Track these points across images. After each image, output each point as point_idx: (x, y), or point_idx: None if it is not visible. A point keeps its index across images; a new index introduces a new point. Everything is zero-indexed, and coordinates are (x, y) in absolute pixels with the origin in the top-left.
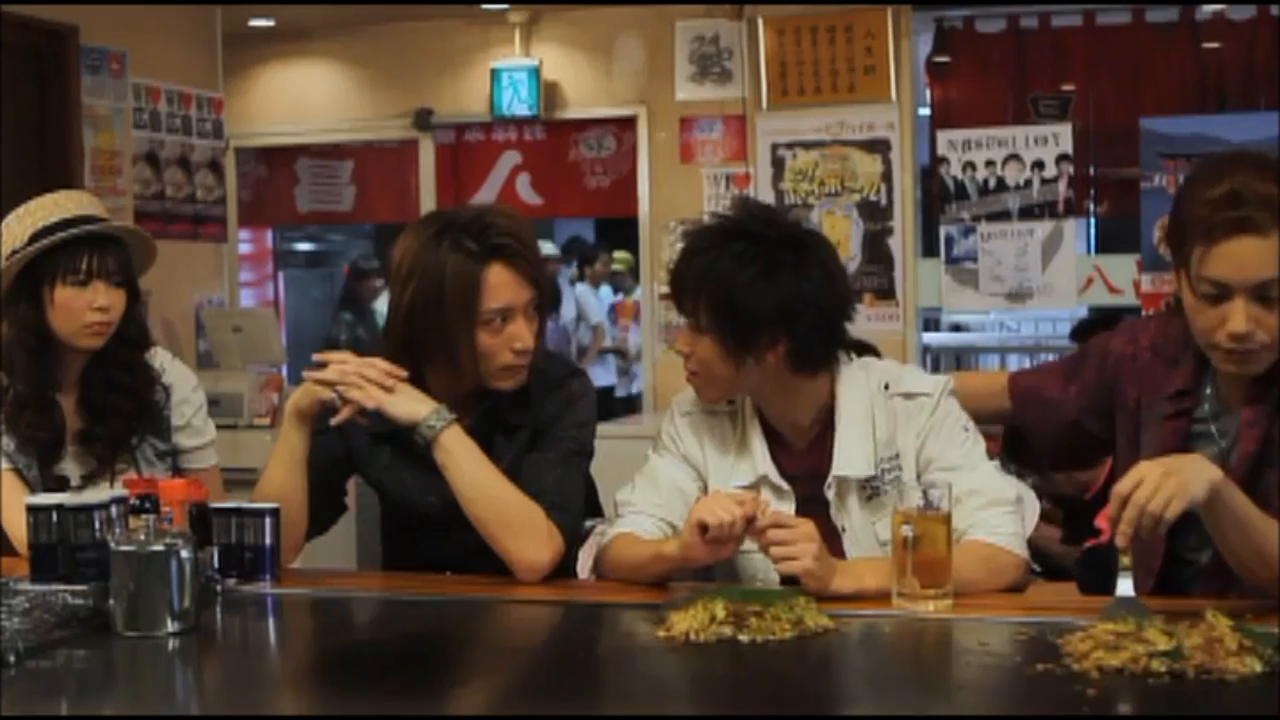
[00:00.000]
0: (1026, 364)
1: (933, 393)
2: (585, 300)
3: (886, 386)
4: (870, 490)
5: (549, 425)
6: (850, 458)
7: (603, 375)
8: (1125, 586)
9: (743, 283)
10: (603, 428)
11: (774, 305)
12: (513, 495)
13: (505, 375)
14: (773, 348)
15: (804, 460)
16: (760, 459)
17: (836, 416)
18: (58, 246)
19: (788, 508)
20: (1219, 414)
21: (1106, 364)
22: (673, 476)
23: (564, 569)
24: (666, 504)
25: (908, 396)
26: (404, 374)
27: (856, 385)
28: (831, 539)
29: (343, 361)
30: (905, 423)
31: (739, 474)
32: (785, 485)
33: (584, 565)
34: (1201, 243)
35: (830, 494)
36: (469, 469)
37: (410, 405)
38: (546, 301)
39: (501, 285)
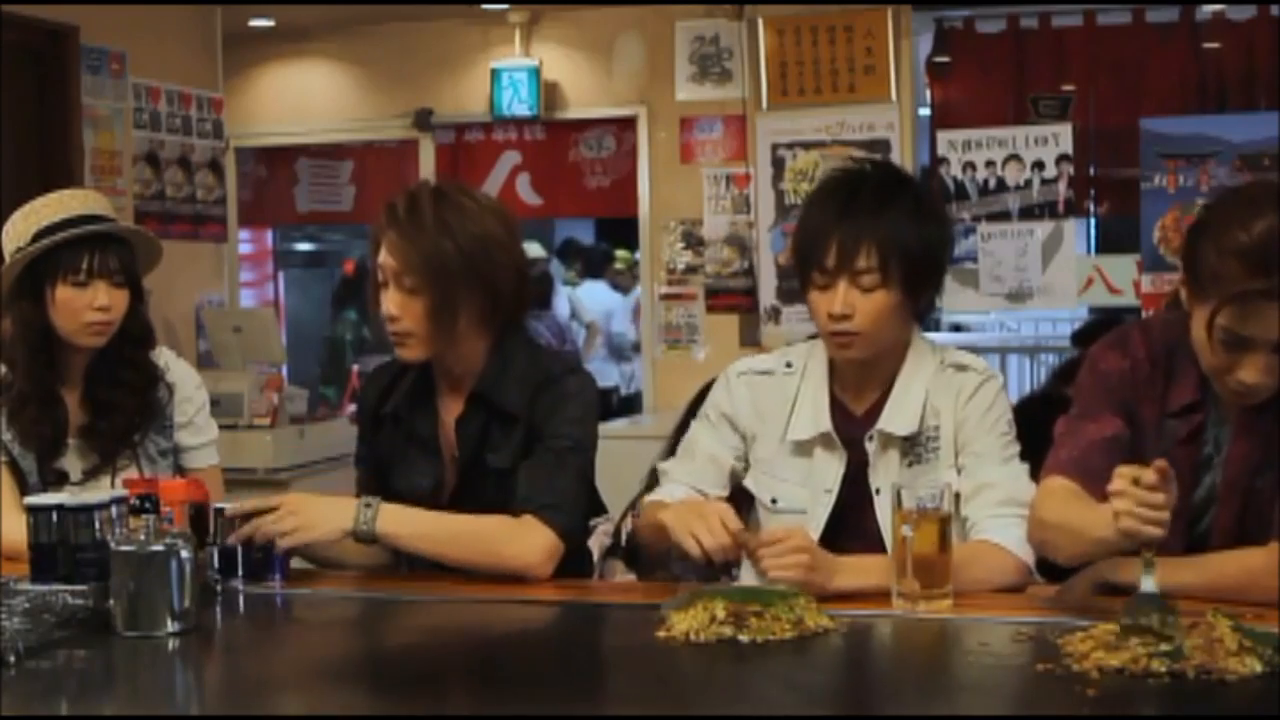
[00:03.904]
0: (1027, 364)
1: (981, 371)
2: (576, 300)
3: (942, 360)
4: (913, 456)
5: (543, 424)
6: (898, 415)
7: (604, 375)
8: (1148, 584)
9: (921, 226)
10: (603, 427)
11: (941, 243)
12: (469, 523)
13: (393, 343)
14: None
15: (860, 425)
16: (822, 417)
17: (896, 378)
18: (60, 246)
19: (837, 467)
20: (1217, 424)
21: (1111, 385)
22: (709, 447)
23: (577, 566)
24: (700, 471)
25: (959, 368)
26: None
27: (923, 354)
28: (864, 504)
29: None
30: (950, 393)
31: (796, 429)
32: (840, 445)
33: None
34: (1223, 299)
35: (871, 447)
36: (418, 529)
37: (331, 523)
38: (426, 287)
39: (384, 245)
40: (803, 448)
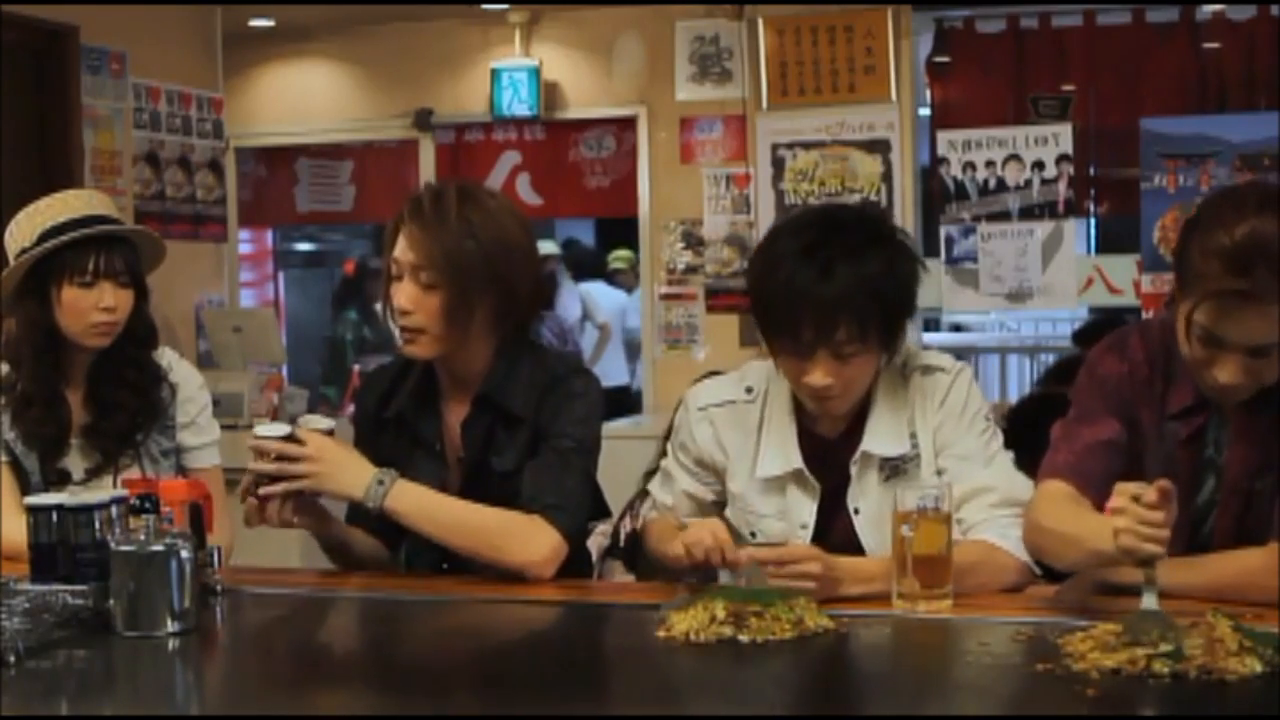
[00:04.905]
0: (1027, 364)
1: (949, 369)
2: (590, 299)
3: (905, 364)
4: (889, 470)
5: (548, 424)
6: (883, 435)
7: (616, 373)
8: (1150, 601)
9: (897, 277)
10: (604, 427)
11: (915, 281)
12: (480, 512)
13: (401, 338)
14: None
15: (833, 450)
16: (792, 452)
17: (872, 397)
18: (65, 247)
19: (812, 501)
20: (1218, 426)
21: (1110, 388)
22: (684, 484)
23: (578, 566)
24: (679, 509)
25: (925, 371)
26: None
27: (894, 366)
28: (841, 524)
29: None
30: (922, 399)
31: (766, 466)
32: (814, 480)
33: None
34: (1201, 296)
35: (854, 470)
36: (429, 511)
37: (343, 484)
38: (444, 284)
39: (400, 238)
40: (775, 483)
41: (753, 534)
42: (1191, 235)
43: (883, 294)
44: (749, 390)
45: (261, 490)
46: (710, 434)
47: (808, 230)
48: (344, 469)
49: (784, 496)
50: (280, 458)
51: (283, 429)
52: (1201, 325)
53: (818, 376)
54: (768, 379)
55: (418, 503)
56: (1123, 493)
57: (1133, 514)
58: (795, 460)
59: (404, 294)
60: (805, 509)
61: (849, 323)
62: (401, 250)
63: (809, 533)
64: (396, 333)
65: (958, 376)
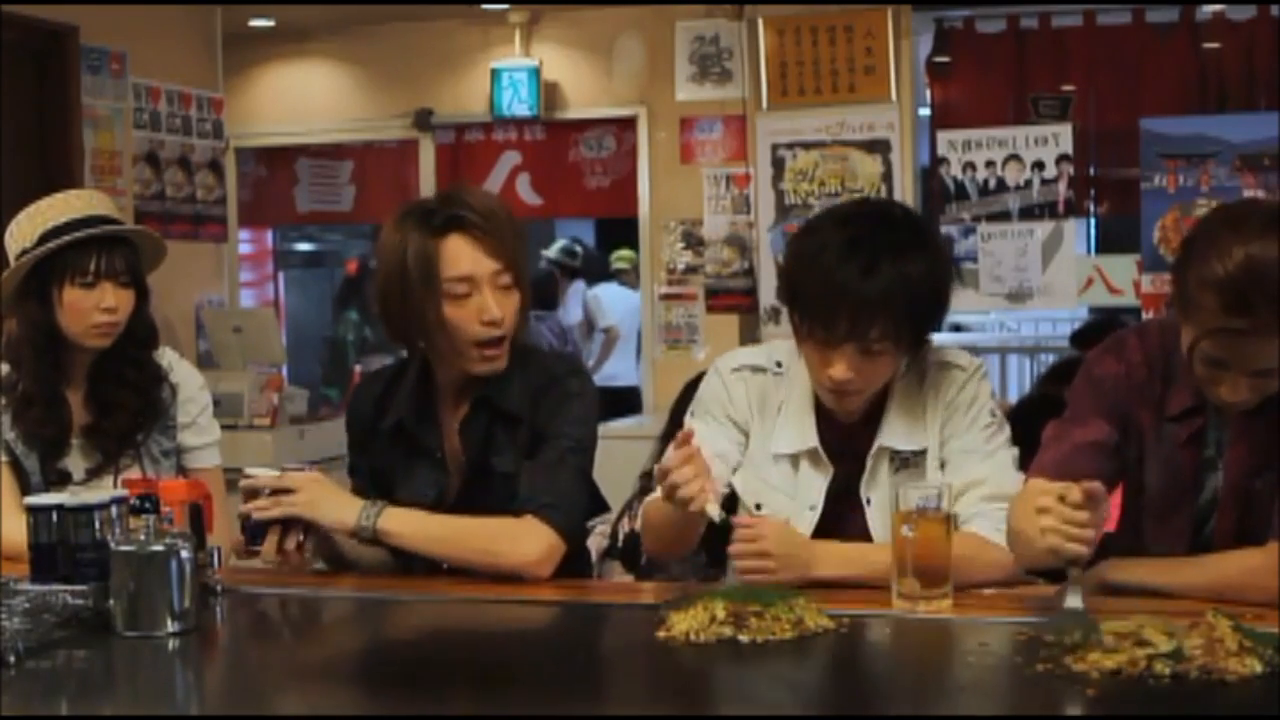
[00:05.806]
0: (1027, 364)
1: (966, 367)
2: (595, 304)
3: (927, 360)
4: (899, 463)
5: (545, 425)
6: (902, 429)
7: (627, 375)
8: (1074, 600)
9: (937, 281)
10: (604, 427)
11: (949, 286)
12: (469, 523)
13: (481, 356)
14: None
15: (849, 436)
16: (808, 431)
17: (891, 391)
18: (66, 247)
19: (823, 481)
20: (1218, 427)
21: (1105, 389)
22: (715, 445)
23: (577, 566)
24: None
25: (941, 366)
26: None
27: (916, 360)
28: (852, 513)
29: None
30: (935, 394)
31: (781, 442)
32: (827, 460)
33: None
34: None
35: (870, 462)
36: (419, 530)
37: (336, 512)
38: (522, 277)
39: (459, 254)
40: (789, 459)
41: (758, 505)
42: (1187, 258)
43: (921, 297)
44: (778, 364)
45: (255, 516)
46: (743, 392)
47: (852, 223)
48: (334, 498)
49: (796, 473)
50: (275, 492)
51: (272, 471)
52: (1205, 352)
53: (840, 369)
54: (794, 358)
55: (409, 521)
56: (1049, 492)
57: (1057, 513)
58: (811, 439)
59: (496, 304)
60: (815, 489)
61: (885, 322)
62: (473, 263)
63: (816, 514)
64: (470, 352)
65: (973, 375)
